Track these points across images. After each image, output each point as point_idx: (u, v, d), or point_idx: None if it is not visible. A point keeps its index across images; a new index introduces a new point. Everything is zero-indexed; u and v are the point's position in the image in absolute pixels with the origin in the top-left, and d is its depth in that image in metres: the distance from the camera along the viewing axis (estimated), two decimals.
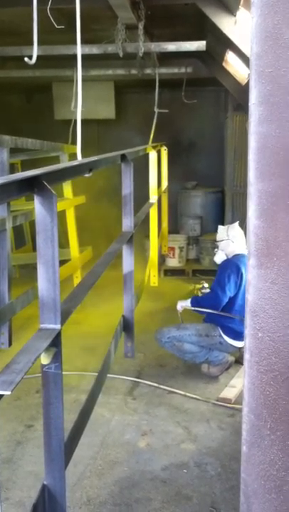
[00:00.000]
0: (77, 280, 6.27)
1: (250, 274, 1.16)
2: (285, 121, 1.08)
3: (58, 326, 1.93)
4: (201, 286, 5.09)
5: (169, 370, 4.83)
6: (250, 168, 1.12)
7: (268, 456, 1.13)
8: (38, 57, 5.28)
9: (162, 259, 8.24)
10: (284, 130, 1.08)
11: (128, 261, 3.84)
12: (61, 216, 6.46)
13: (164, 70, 6.19)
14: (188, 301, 4.68)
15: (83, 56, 5.20)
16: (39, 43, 4.99)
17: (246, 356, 1.17)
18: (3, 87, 8.26)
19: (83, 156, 3.11)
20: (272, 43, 1.05)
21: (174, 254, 8.40)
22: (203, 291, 4.93)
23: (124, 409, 4.14)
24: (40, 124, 8.59)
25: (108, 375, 4.52)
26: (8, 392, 1.48)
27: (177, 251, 8.45)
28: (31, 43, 3.29)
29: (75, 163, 2.44)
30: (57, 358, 1.95)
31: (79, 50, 2.52)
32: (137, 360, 4.88)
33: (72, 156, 5.92)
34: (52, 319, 1.93)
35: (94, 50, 4.89)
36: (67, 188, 5.87)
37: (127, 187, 3.77)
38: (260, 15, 1.06)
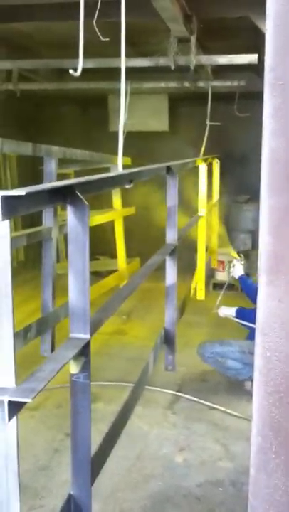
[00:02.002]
0: None
1: (261, 291, 1.13)
2: None
3: (87, 336, 1.93)
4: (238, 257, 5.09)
5: (211, 386, 4.76)
6: (262, 183, 1.09)
7: (272, 481, 1.09)
8: (94, 69, 5.41)
9: (211, 272, 8.17)
10: None
11: (171, 273, 3.83)
12: (111, 226, 6.54)
13: (216, 83, 6.17)
14: (233, 310, 4.62)
15: (136, 69, 5.28)
16: (93, 56, 5.10)
17: (255, 375, 1.14)
18: (60, 99, 8.43)
19: (134, 167, 3.12)
20: (284, 55, 1.03)
21: (223, 268, 8.31)
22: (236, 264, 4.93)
23: (163, 423, 4.10)
24: (95, 136, 8.71)
25: (148, 388, 4.53)
26: (28, 400, 1.49)
27: (227, 265, 8.35)
28: (87, 56, 3.34)
29: (112, 174, 2.44)
30: (85, 367, 1.95)
31: (123, 62, 2.53)
32: (179, 373, 4.84)
33: (125, 168, 6.00)
34: (81, 329, 1.93)
35: (146, 62, 4.93)
36: (116, 198, 5.92)
37: (172, 199, 3.77)
38: (274, 26, 1.03)
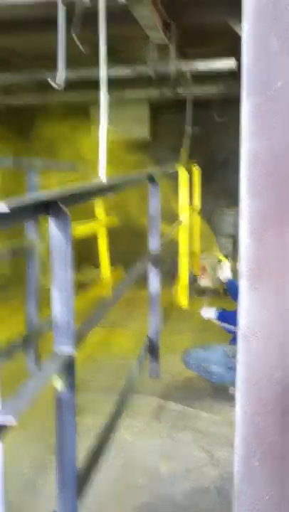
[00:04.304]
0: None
1: (242, 296, 1.12)
2: (274, 134, 1.04)
3: (71, 350, 1.91)
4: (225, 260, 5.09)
5: (196, 392, 4.75)
6: (241, 185, 1.08)
7: (256, 489, 1.08)
8: (75, 82, 5.38)
9: (194, 279, 8.17)
10: (274, 142, 1.04)
11: (154, 281, 3.82)
12: (94, 235, 6.51)
13: (196, 90, 6.19)
14: (214, 311, 4.62)
15: (115, 78, 5.26)
16: (73, 67, 5.09)
17: (238, 383, 1.13)
18: (43, 112, 8.37)
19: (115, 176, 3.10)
20: (261, 52, 1.02)
21: (204, 274, 8.32)
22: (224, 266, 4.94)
23: (148, 432, 4.08)
24: (80, 146, 8.67)
25: (132, 396, 4.50)
26: (13, 422, 1.46)
27: (209, 270, 8.36)
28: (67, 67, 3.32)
29: (94, 184, 2.43)
30: (70, 382, 1.93)
31: (102, 70, 2.51)
32: (164, 381, 4.82)
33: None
34: (66, 342, 1.91)
35: (125, 71, 4.92)
36: (99, 208, 5.90)
37: (154, 208, 3.76)
38: (249, 23, 1.03)
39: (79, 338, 2.05)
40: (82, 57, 5.02)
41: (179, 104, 7.04)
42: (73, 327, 1.92)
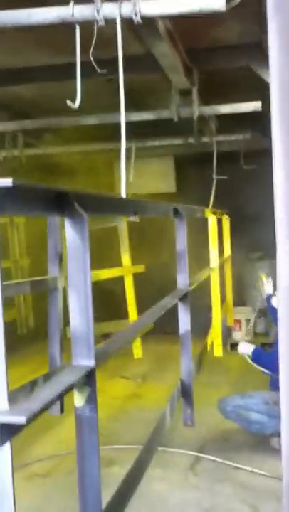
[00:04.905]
0: (136, 350, 6.06)
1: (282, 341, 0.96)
2: None
3: (91, 363, 1.74)
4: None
5: (235, 444, 4.44)
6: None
7: None
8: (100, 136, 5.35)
9: (228, 332, 7.92)
10: None
11: (184, 319, 3.63)
12: (120, 287, 6.38)
13: (221, 138, 6.18)
14: (251, 348, 4.39)
15: (139, 128, 5.28)
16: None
17: (283, 431, 0.96)
18: (66, 167, 8.47)
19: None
20: None
21: (240, 327, 8.08)
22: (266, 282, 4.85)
23: (185, 485, 3.79)
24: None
25: (168, 449, 4.23)
26: (23, 421, 1.29)
27: (244, 324, 8.13)
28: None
29: (116, 196, 2.32)
30: (91, 398, 1.75)
31: (122, 114, 2.46)
32: (199, 433, 4.53)
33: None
34: (85, 354, 1.74)
35: (148, 116, 4.93)
36: (125, 255, 5.80)
37: (181, 243, 3.63)
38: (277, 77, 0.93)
39: (101, 355, 1.88)
40: (105, 107, 5.08)
41: (204, 156, 7.04)
42: (92, 338, 1.76)
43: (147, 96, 5.65)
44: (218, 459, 4.14)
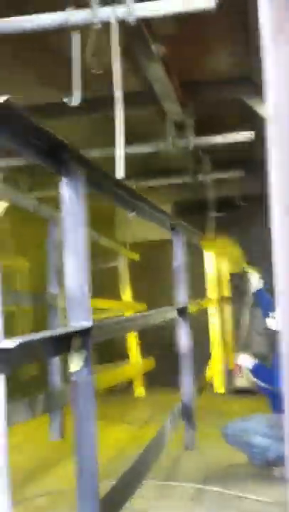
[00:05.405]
0: (138, 390, 5.92)
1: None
2: None
3: (88, 323, 1.70)
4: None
5: (237, 475, 4.28)
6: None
7: None
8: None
9: (229, 378, 7.76)
10: None
11: (184, 335, 3.58)
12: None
13: (216, 175, 6.30)
14: (252, 362, 4.27)
15: (138, 157, 5.38)
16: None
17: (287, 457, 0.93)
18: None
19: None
20: None
21: (241, 373, 7.90)
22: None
23: None
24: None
25: (170, 483, 4.06)
26: (12, 346, 1.24)
27: (245, 370, 7.96)
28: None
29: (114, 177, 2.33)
30: (87, 362, 1.70)
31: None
32: (200, 464, 4.38)
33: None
34: (81, 315, 1.70)
35: (145, 148, 5.03)
36: (126, 293, 5.77)
37: (178, 258, 3.63)
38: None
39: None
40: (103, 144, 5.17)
41: (201, 206, 7.13)
42: (88, 298, 1.73)
43: (144, 132, 5.78)
44: (219, 489, 3.98)
